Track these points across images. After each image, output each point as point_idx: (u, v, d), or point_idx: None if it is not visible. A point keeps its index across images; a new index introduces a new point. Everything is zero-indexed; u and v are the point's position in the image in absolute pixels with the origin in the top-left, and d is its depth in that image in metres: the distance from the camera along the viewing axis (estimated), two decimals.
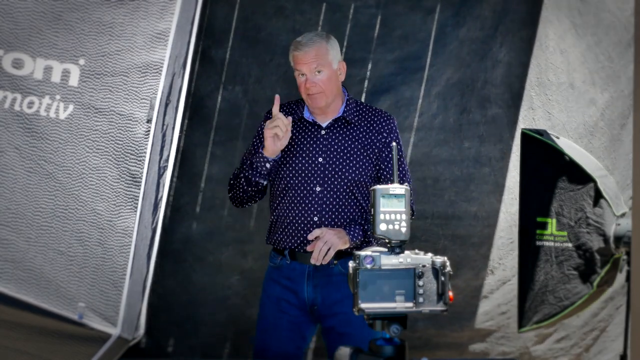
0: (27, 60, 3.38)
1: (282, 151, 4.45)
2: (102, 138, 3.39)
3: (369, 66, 5.42)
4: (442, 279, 3.22)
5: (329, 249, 4.32)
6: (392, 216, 3.25)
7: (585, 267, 4.54)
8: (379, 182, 4.51)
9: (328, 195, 4.40)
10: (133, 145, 3.41)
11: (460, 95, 5.42)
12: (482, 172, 5.47)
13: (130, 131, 3.41)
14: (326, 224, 4.41)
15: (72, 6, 3.40)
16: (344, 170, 4.40)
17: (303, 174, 4.42)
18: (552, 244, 4.60)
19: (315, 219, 4.40)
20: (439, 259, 3.24)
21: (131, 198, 3.39)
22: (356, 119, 4.46)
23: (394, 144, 3.31)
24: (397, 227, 3.24)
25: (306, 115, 4.48)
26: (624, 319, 5.52)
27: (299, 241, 4.44)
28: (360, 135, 4.44)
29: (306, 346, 4.59)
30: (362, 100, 5.39)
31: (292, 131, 4.45)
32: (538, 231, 4.62)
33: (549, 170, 4.60)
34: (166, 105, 3.46)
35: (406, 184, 3.40)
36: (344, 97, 4.50)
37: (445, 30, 5.41)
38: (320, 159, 4.41)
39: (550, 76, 5.42)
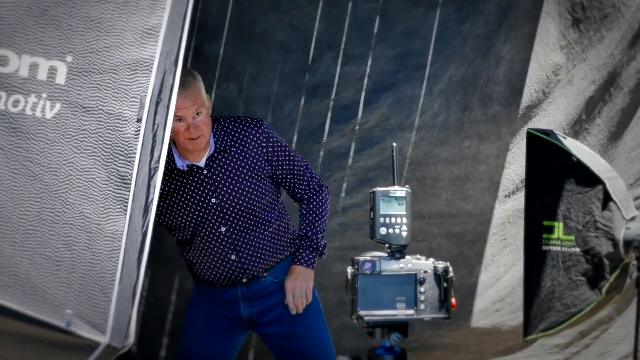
0: (12, 57, 3.37)
1: (171, 204, 4.39)
2: (90, 138, 3.38)
3: (369, 63, 5.41)
4: (445, 285, 3.26)
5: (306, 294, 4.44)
6: (393, 220, 3.27)
7: (594, 273, 4.50)
8: (284, 188, 4.54)
9: (236, 232, 4.41)
10: (123, 146, 3.39)
11: (463, 93, 5.42)
12: (479, 171, 5.48)
13: (120, 131, 3.39)
14: (245, 256, 4.42)
15: (59, 1, 3.39)
16: (240, 202, 4.38)
17: (203, 220, 4.39)
18: (559, 248, 4.57)
19: (233, 257, 4.43)
20: (441, 265, 3.27)
21: (121, 201, 3.37)
22: (230, 143, 4.38)
23: (394, 144, 3.29)
24: (397, 231, 3.27)
25: (179, 165, 4.38)
26: (627, 322, 5.53)
27: (226, 279, 4.47)
28: (242, 158, 4.39)
29: (235, 354, 4.63)
30: (362, 98, 5.37)
31: (171, 184, 4.39)
32: (545, 235, 4.57)
33: (555, 172, 4.57)
34: (157, 104, 3.44)
35: (407, 187, 3.36)
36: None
37: (448, 26, 5.40)
38: (214, 200, 4.37)
39: (549, 73, 5.42)
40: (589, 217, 4.51)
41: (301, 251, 4.48)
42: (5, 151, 3.32)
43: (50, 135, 3.36)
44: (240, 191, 4.37)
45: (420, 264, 3.27)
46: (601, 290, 4.49)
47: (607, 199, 4.49)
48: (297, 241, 4.52)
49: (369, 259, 3.26)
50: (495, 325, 5.58)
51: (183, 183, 4.39)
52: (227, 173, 4.37)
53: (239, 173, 4.38)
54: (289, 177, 4.48)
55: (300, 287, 4.41)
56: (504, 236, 5.48)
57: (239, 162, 4.38)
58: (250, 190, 4.38)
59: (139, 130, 3.39)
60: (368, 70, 5.41)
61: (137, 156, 3.38)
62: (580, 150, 4.61)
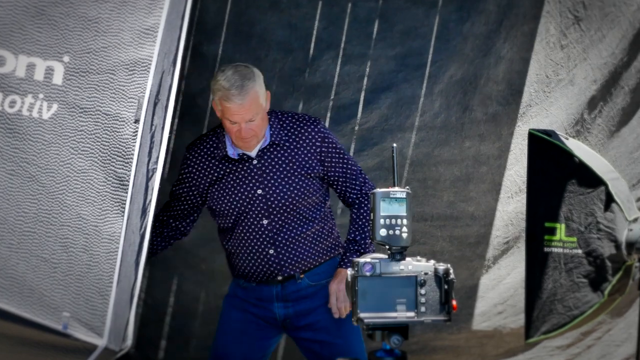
0: (8, 57, 3.36)
1: (218, 189, 4.41)
2: (87, 139, 3.38)
3: (369, 63, 5.36)
4: (446, 287, 3.21)
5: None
6: (393, 221, 3.23)
7: (596, 275, 4.50)
8: (336, 191, 4.54)
9: (277, 226, 4.41)
10: (120, 147, 3.39)
11: (462, 93, 5.38)
12: (480, 171, 5.44)
13: (117, 132, 3.39)
14: (283, 252, 4.43)
15: (55, 0, 3.39)
16: (286, 197, 4.38)
17: (246, 209, 4.39)
18: (560, 250, 4.56)
19: (271, 251, 4.43)
20: (442, 266, 3.23)
21: (118, 202, 3.37)
22: (284, 138, 4.39)
23: (394, 144, 3.28)
24: (397, 232, 3.23)
25: (230, 152, 4.39)
26: (629, 323, 5.52)
27: (262, 274, 4.48)
28: (293, 154, 4.39)
29: (268, 356, 4.63)
30: (362, 98, 5.35)
31: (220, 169, 4.42)
32: (546, 237, 4.57)
33: (557, 172, 4.55)
34: (155, 104, 3.44)
35: (408, 187, 3.34)
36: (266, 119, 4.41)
37: (448, 25, 5.33)
38: (260, 191, 4.37)
39: (550, 72, 5.38)
40: (591, 219, 4.51)
41: (347, 254, 4.46)
42: (2, 152, 3.32)
43: (47, 136, 3.35)
44: (287, 186, 4.37)
45: (420, 265, 3.23)
46: (603, 292, 4.49)
47: (609, 199, 4.49)
48: (345, 244, 4.51)
49: (368, 260, 3.22)
50: (497, 328, 5.57)
51: (232, 170, 4.39)
52: (277, 167, 4.37)
53: (288, 168, 4.37)
54: (340, 179, 4.47)
55: (344, 290, 4.36)
56: (506, 238, 5.47)
57: (290, 158, 4.38)
58: (298, 187, 4.38)
59: (137, 131, 3.39)
60: (367, 69, 5.36)
61: (135, 157, 3.38)
62: (582, 150, 4.59)
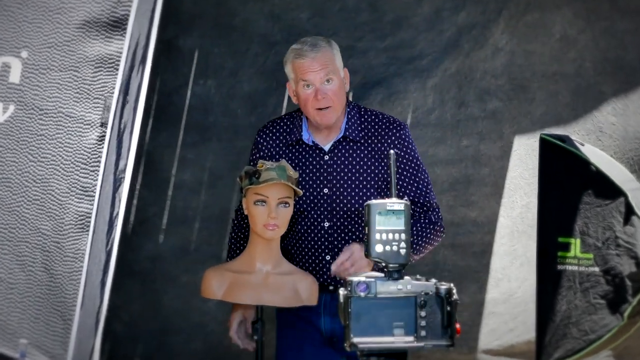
0: None
1: None
2: (48, 144, 3.30)
3: (358, 55, 5.35)
4: (448, 308, 3.09)
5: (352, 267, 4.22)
6: (390, 236, 3.10)
7: (615, 295, 4.50)
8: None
9: (339, 231, 4.33)
10: (85, 153, 3.30)
11: (457, 87, 5.38)
12: (481, 173, 5.43)
13: (82, 136, 3.30)
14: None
15: None
16: (352, 201, 4.30)
17: (308, 208, 4.33)
18: (575, 268, 4.59)
19: (328, 257, 4.34)
20: (444, 286, 3.10)
21: (82, 215, 3.28)
22: (361, 134, 4.34)
23: (392, 151, 3.16)
24: (395, 248, 3.09)
25: (305, 137, 4.35)
26: None
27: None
28: (370, 156, 4.33)
29: None
30: (351, 94, 5.32)
31: (291, 155, 4.37)
32: (559, 253, 4.59)
33: (572, 182, 4.57)
34: (123, 105, 3.35)
35: (406, 198, 3.23)
36: (345, 110, 4.38)
37: (441, 14, 5.35)
38: (326, 190, 4.30)
39: (555, 66, 5.35)
40: (609, 233, 4.55)
41: None
42: None
43: (2, 141, 3.28)
44: (356, 189, 4.30)
45: (420, 284, 3.11)
46: (622, 315, 4.52)
47: (629, 212, 4.53)
48: None
49: (363, 279, 3.10)
50: (508, 347, 5.54)
51: (301, 161, 4.34)
52: (349, 165, 4.32)
53: (361, 170, 4.32)
54: (405, 193, 4.37)
55: (357, 257, 4.13)
56: (513, 246, 5.44)
57: (364, 159, 4.33)
58: (366, 191, 4.30)
59: (103, 136, 3.30)
60: (356, 63, 5.34)
61: (101, 165, 3.30)
62: (599, 157, 4.66)
